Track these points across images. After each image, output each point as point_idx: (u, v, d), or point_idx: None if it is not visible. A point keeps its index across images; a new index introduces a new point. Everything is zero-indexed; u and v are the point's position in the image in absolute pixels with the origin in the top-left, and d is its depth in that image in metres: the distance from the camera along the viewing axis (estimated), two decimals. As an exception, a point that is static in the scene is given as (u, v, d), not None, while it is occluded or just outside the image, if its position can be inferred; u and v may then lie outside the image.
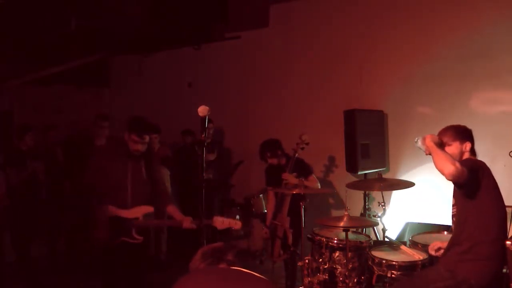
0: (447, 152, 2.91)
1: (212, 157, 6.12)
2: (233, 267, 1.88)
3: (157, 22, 6.79)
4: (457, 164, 2.75)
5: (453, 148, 3.10)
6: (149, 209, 3.70)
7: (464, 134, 3.14)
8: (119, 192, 3.66)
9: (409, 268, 3.33)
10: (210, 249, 1.97)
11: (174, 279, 1.72)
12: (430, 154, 2.96)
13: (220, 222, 3.58)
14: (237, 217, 3.76)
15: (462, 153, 3.10)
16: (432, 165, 3.05)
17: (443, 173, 2.78)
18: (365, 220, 4.83)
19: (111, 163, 3.71)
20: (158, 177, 3.95)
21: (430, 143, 2.97)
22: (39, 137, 5.76)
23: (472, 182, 2.86)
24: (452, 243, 3.04)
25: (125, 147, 3.70)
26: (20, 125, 5.68)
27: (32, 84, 7.19)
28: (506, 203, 3.43)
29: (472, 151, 3.13)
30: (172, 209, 3.86)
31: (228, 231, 6.20)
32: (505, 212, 3.02)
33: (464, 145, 3.10)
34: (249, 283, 1.73)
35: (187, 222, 3.60)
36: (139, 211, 3.67)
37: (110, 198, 3.63)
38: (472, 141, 3.15)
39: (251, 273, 1.74)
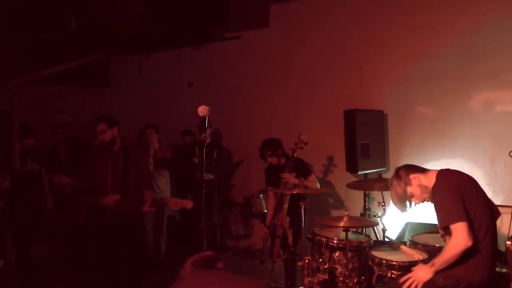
0: (442, 254, 2.84)
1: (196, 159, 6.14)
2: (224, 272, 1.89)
3: (157, 22, 6.80)
4: (460, 238, 2.71)
5: (414, 192, 3.06)
6: (117, 197, 4.09)
7: (402, 177, 3.08)
8: (100, 185, 4.13)
9: (409, 268, 3.31)
10: (200, 258, 1.98)
11: (173, 279, 1.72)
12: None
13: (174, 203, 4.24)
14: (189, 197, 4.68)
15: (421, 185, 3.04)
16: (432, 165, 3.05)
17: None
18: (365, 220, 4.82)
19: (96, 161, 4.23)
20: (138, 168, 4.31)
21: (429, 275, 2.86)
22: (45, 136, 5.75)
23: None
24: None
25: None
26: (23, 127, 5.63)
27: (32, 84, 7.19)
28: (506, 203, 3.44)
29: (420, 171, 3.08)
30: (146, 195, 4.31)
31: (228, 231, 6.27)
32: (491, 211, 2.99)
33: (414, 181, 3.05)
34: (241, 285, 1.74)
35: (146, 207, 4.21)
36: (110, 199, 4.07)
37: (93, 191, 4.16)
38: (411, 170, 3.09)
39: (241, 277, 1.76)
